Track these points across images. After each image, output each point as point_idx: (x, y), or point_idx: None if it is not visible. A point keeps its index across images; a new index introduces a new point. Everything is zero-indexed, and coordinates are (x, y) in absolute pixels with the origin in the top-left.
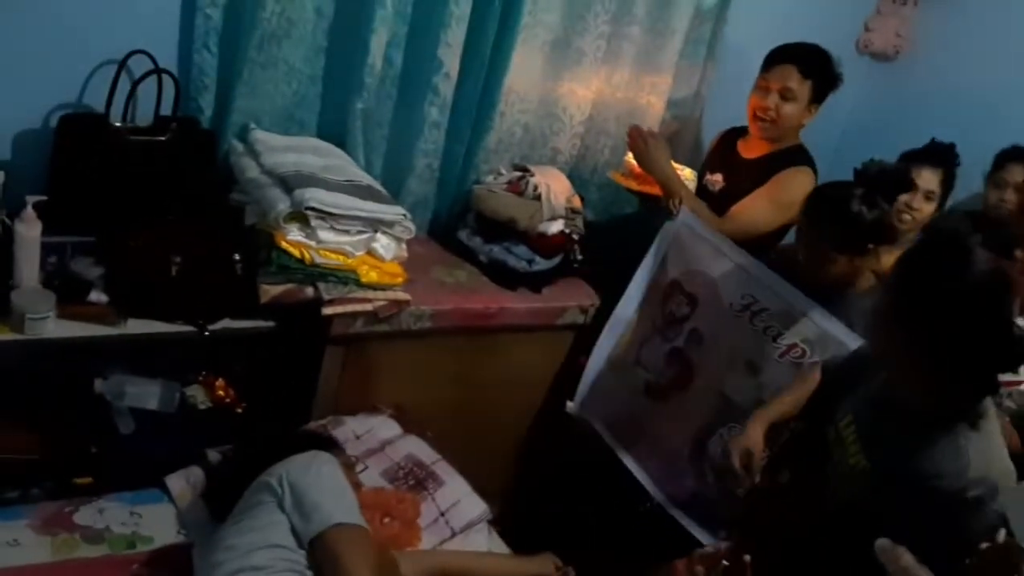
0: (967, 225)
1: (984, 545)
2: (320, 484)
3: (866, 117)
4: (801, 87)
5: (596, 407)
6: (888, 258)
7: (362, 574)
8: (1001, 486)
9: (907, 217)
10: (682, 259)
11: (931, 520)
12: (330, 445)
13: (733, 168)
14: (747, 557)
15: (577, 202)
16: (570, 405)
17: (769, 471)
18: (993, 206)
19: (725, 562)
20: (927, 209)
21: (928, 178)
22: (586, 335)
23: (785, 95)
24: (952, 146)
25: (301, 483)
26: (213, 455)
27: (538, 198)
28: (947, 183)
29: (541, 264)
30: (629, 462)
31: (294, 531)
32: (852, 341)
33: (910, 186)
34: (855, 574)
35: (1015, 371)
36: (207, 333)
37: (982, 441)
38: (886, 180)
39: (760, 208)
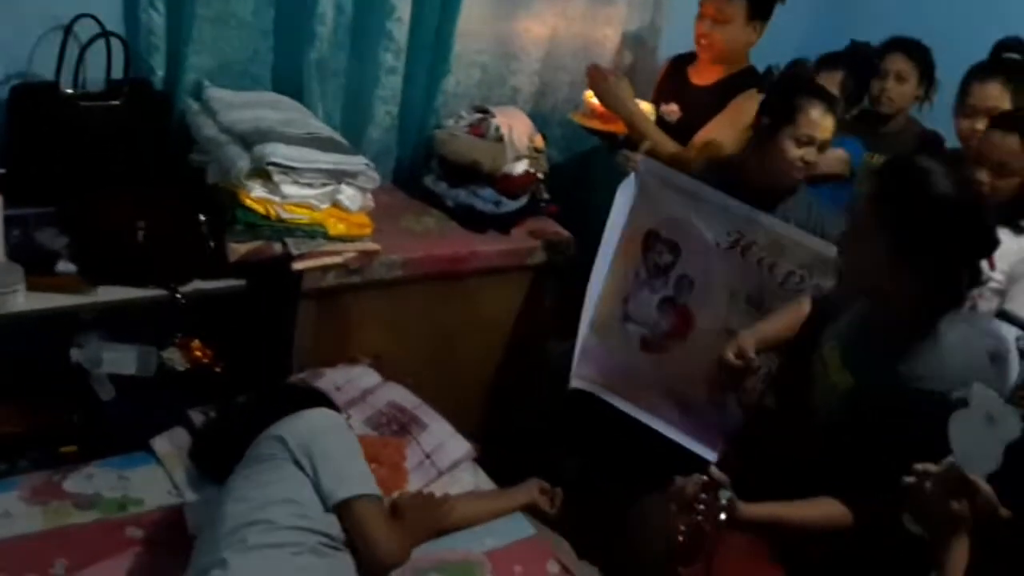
0: None
1: (921, 467)
2: (340, 450)
3: (825, 43)
4: (732, 7)
5: (593, 373)
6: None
7: (389, 547)
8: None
9: (885, 100)
10: (654, 209)
11: (919, 425)
12: (324, 401)
13: (687, 96)
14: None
15: (539, 141)
16: (573, 383)
17: (758, 398)
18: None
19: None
20: (900, 90)
21: (895, 60)
22: (561, 275)
23: (717, 18)
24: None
25: (321, 447)
26: (196, 415)
27: (501, 139)
28: (921, 69)
29: (508, 205)
30: (645, 417)
31: (315, 489)
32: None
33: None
34: (840, 488)
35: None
36: (178, 296)
37: (961, 340)
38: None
39: (723, 135)
